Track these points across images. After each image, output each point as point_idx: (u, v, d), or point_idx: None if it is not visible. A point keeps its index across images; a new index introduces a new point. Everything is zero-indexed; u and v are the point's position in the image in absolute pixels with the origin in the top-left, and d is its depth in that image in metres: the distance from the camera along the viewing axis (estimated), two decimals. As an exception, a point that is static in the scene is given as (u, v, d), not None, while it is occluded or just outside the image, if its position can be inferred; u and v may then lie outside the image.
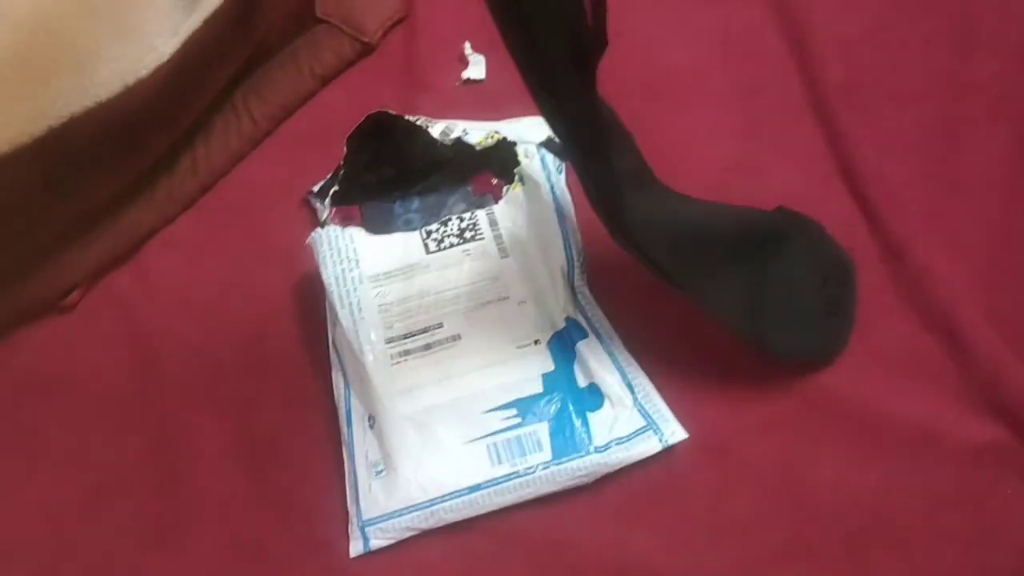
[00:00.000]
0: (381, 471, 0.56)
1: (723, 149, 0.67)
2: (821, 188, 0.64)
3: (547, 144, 0.66)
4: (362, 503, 0.55)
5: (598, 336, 0.59)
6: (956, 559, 0.52)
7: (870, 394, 0.56)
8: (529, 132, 0.67)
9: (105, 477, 0.60)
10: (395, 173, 0.68)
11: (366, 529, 0.55)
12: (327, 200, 0.66)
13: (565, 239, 0.61)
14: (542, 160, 0.65)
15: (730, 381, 0.58)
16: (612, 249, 0.63)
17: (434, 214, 0.65)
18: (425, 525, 0.54)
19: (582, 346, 0.58)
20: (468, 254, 0.62)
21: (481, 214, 0.64)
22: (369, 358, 0.58)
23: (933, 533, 0.52)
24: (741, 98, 0.69)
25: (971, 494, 0.53)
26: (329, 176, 0.67)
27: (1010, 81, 0.65)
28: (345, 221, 0.65)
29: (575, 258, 0.61)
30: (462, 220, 0.64)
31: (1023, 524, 0.52)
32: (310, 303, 0.64)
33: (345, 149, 0.66)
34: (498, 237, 0.63)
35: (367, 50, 0.74)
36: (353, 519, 0.55)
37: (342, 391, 0.59)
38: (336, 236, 0.62)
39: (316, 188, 0.68)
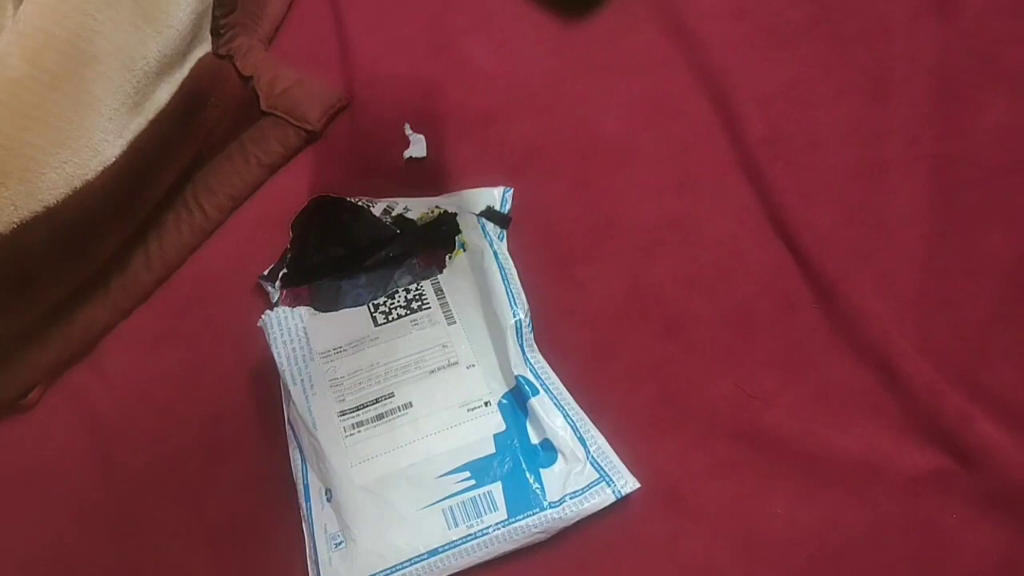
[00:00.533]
0: (340, 543, 0.56)
1: (658, 206, 0.70)
2: (753, 237, 0.67)
3: (486, 213, 0.69)
4: (323, 576, 0.56)
5: (548, 392, 0.61)
6: (909, 586, 0.52)
7: (813, 431, 0.58)
8: (469, 203, 0.69)
9: (71, 572, 0.60)
10: (344, 251, 0.70)
11: (326, 603, 0.55)
12: (277, 282, 0.68)
13: (511, 300, 0.63)
14: (483, 228, 0.67)
15: (678, 428, 0.60)
16: (558, 309, 0.66)
17: (381, 288, 0.67)
18: (388, 591, 0.55)
19: (534, 403, 0.60)
20: (416, 323, 0.64)
21: (427, 284, 0.66)
22: (322, 433, 0.59)
23: (881, 562, 0.53)
24: (672, 157, 0.72)
25: (916, 521, 0.54)
26: (278, 260, 0.69)
27: (923, 122, 0.68)
28: (295, 301, 0.67)
29: (523, 318, 0.62)
30: (408, 291, 0.66)
31: (970, 547, 0.53)
32: (265, 383, 0.65)
33: (291, 233, 0.68)
34: (444, 304, 0.65)
35: (312, 137, 0.77)
36: (313, 594, 0.56)
37: (299, 466, 0.60)
38: (286, 317, 0.64)
39: (266, 272, 0.70)
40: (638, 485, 0.57)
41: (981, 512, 0.54)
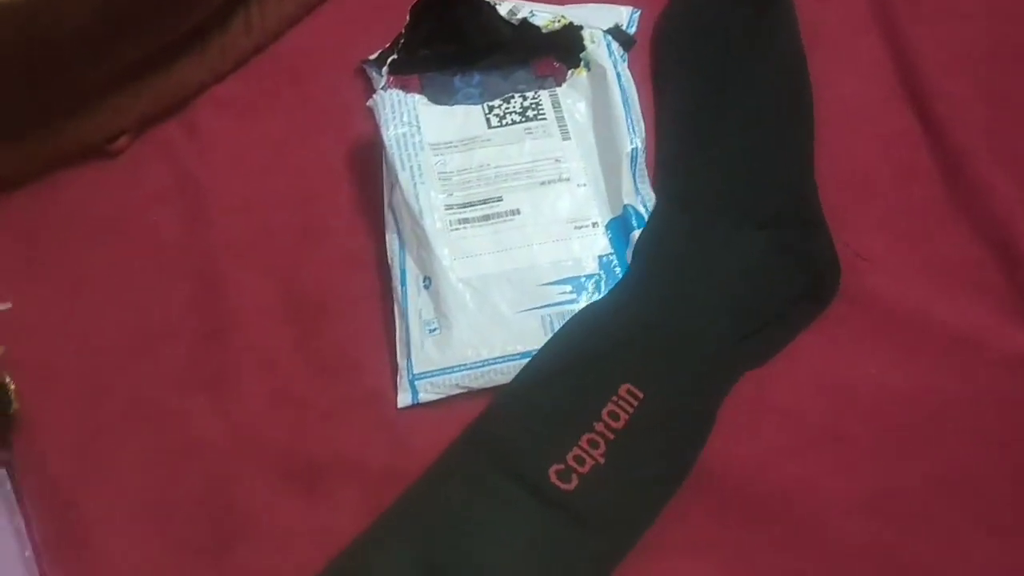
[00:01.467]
0: (435, 329, 0.56)
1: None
2: (882, 99, 0.65)
3: (613, 31, 0.66)
4: (413, 358, 0.56)
5: (654, 225, 0.60)
6: (987, 459, 0.53)
7: (917, 298, 0.58)
8: (596, 18, 0.67)
9: (150, 321, 0.60)
10: (453, 50, 0.67)
11: (416, 382, 0.55)
12: (385, 68, 0.65)
13: (630, 127, 0.61)
14: (608, 47, 0.65)
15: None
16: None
17: (495, 91, 0.65)
18: (475, 384, 0.55)
19: (637, 234, 0.59)
20: (530, 133, 0.62)
21: (544, 95, 0.64)
22: (428, 220, 0.58)
23: (968, 433, 0.54)
24: (809, 6, 0.69)
25: (1012, 399, 0.54)
26: (388, 45, 0.67)
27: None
28: (404, 89, 0.65)
29: (639, 147, 0.61)
30: (525, 99, 0.64)
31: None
32: (362, 167, 0.64)
33: (408, 18, 0.65)
34: (560, 119, 0.63)
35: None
36: (403, 372, 0.56)
37: (396, 252, 0.59)
38: (399, 99, 0.62)
39: (373, 56, 0.67)
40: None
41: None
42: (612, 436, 0.51)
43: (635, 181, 0.61)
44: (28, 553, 0.50)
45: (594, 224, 0.59)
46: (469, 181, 0.60)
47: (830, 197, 0.61)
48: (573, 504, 0.49)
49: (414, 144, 0.60)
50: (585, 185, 0.61)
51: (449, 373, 0.55)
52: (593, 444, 0.51)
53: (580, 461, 0.50)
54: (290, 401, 0.57)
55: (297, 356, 0.58)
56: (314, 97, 0.69)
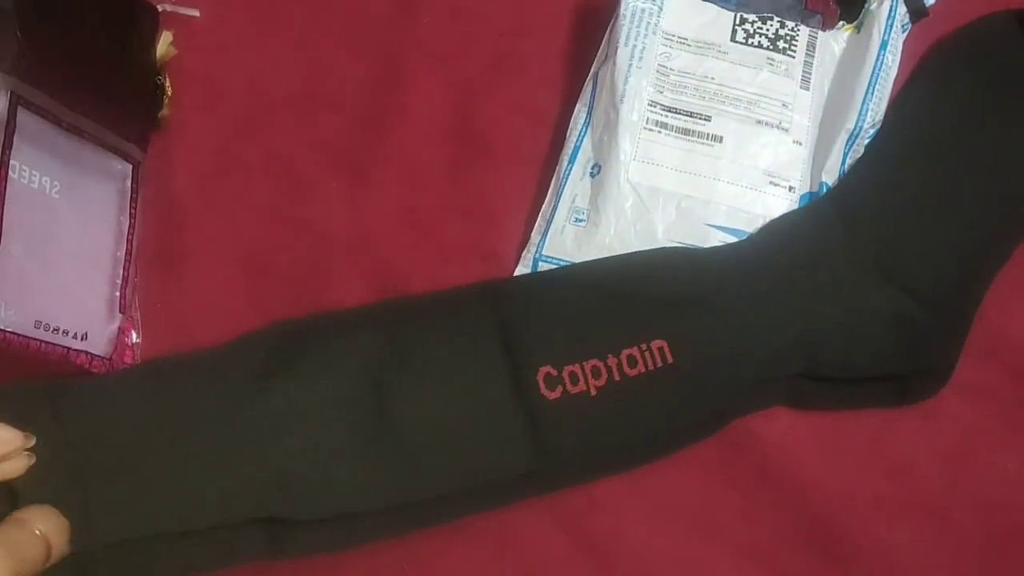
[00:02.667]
0: (582, 220, 0.53)
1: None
2: None
3: (909, -3, 0.58)
4: (549, 238, 0.53)
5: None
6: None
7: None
8: (899, -25, 0.58)
9: (323, 85, 0.58)
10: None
11: (540, 263, 0.52)
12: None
13: (865, 104, 0.54)
14: (892, 11, 0.57)
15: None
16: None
17: (756, 4, 0.58)
18: (598, 290, 0.51)
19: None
20: (771, 64, 0.56)
21: (804, 31, 0.57)
22: (626, 107, 0.53)
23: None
24: None
25: None
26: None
27: None
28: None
29: (864, 128, 0.54)
30: (783, 26, 0.57)
31: None
32: (587, 25, 0.59)
33: None
34: (808, 64, 0.56)
35: None
36: (532, 247, 0.53)
37: (580, 125, 0.55)
38: (653, -26, 0.56)
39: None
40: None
41: None
42: (618, 378, 0.46)
43: (844, 162, 0.54)
44: (120, 253, 0.50)
45: (791, 188, 0.54)
46: (686, 87, 0.55)
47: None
48: (542, 414, 0.46)
49: (648, 24, 0.55)
50: (801, 144, 0.55)
51: (575, 268, 0.52)
52: (596, 372, 0.46)
53: (574, 379, 0.46)
54: (418, 220, 0.55)
55: (443, 180, 0.56)
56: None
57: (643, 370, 0.47)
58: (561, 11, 0.60)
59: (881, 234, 0.52)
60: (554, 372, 0.46)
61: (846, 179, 0.54)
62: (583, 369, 0.46)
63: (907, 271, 0.51)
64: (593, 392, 0.46)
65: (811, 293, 0.50)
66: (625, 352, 0.47)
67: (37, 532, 0.38)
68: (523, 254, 0.53)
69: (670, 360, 0.47)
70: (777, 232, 0.52)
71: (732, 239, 0.52)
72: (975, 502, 0.49)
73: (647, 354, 0.47)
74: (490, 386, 0.46)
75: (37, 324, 0.43)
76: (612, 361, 0.47)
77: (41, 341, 0.43)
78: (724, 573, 0.47)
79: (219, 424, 0.44)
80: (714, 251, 0.51)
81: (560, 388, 0.46)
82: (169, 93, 0.55)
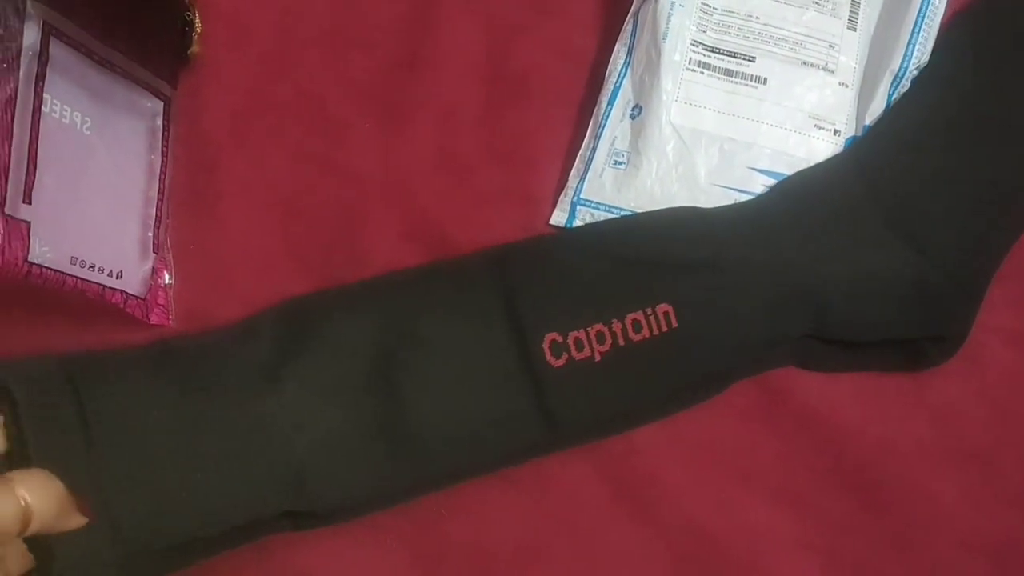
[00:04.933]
0: (621, 163, 0.52)
1: None
2: None
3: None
4: (587, 181, 0.52)
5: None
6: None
7: None
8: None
9: (356, 22, 0.56)
10: None
11: (578, 206, 0.51)
12: None
13: (912, 44, 0.52)
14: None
15: (995, 285, 0.51)
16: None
17: (803, -58, 0.56)
18: (636, 236, 0.51)
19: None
20: (817, 3, 0.54)
21: (853, -33, 0.55)
22: (668, 46, 0.52)
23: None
24: None
25: None
26: None
27: None
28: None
29: (908, 71, 0.52)
30: (831, -38, 0.55)
31: None
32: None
33: None
34: (856, 3, 0.55)
35: None
36: (570, 191, 0.52)
37: (620, 66, 0.54)
38: (700, -97, 0.54)
39: None
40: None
41: None
42: (623, 343, 0.45)
43: (888, 104, 0.53)
44: (152, 193, 0.49)
45: (836, 132, 0.52)
46: (730, 26, 0.53)
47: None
48: (548, 382, 0.45)
49: (693, -41, 0.53)
50: (848, 87, 0.53)
51: (614, 211, 0.51)
52: (600, 338, 0.45)
53: (579, 345, 0.45)
54: (452, 166, 0.53)
55: (478, 124, 0.54)
56: None
57: (647, 335, 0.46)
58: (600, -52, 0.59)
59: (902, 195, 0.50)
60: (559, 339, 0.46)
61: (869, 136, 0.52)
62: (588, 335, 0.46)
63: (927, 234, 0.49)
64: (598, 358, 0.45)
65: (826, 253, 0.48)
66: (630, 317, 0.46)
67: (20, 498, 0.34)
68: (560, 197, 0.52)
69: (675, 324, 0.46)
70: (791, 190, 0.50)
71: (775, 182, 0.51)
72: (1020, 451, 0.48)
73: (652, 318, 0.46)
74: (497, 358, 0.45)
75: (73, 260, 0.42)
76: (617, 326, 0.46)
77: (77, 278, 0.43)
78: (763, 517, 0.47)
79: (235, 421, 0.43)
80: (724, 209, 0.50)
81: (565, 355, 0.45)
82: (199, 29, 0.54)
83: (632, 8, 0.55)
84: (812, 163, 0.51)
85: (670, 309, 0.46)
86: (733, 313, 0.47)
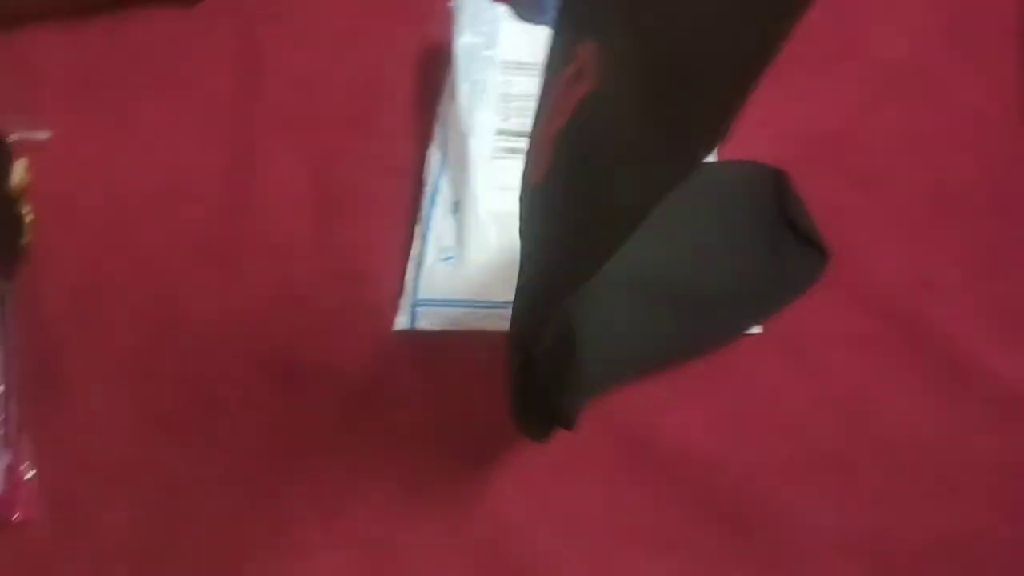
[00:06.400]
0: (450, 258, 0.54)
1: (914, 43, 0.61)
2: (1003, 118, 0.58)
3: None
4: (422, 282, 0.53)
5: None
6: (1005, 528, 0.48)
7: (973, 341, 0.52)
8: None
9: (180, 181, 0.59)
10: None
11: (417, 308, 0.53)
12: (475, -29, 0.61)
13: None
14: None
15: (825, 285, 0.54)
16: (755, 115, 0.57)
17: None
18: (477, 325, 0.52)
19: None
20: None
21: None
22: (474, 143, 0.55)
23: (988, 496, 0.49)
24: None
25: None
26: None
27: None
28: (493, -3, 0.61)
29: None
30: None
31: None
32: (431, 70, 0.60)
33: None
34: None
35: None
36: (407, 294, 0.54)
37: (435, 168, 0.56)
38: (482, 8, 0.57)
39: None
40: (760, 330, 0.53)
41: None
42: None
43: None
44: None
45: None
46: (530, 110, 0.56)
47: (915, 205, 0.56)
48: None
49: (484, 58, 0.57)
50: (649, 141, 0.56)
51: (453, 306, 0.53)
52: None
53: None
54: (292, 295, 0.55)
55: (311, 250, 0.56)
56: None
57: None
58: (404, 62, 0.62)
59: None
60: None
61: None
62: None
63: None
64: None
65: None
66: None
67: None
68: (400, 302, 0.54)
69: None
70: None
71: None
72: (873, 447, 0.50)
73: None
74: None
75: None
76: None
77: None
78: (643, 566, 0.48)
79: None
80: None
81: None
82: (31, 219, 0.56)
83: (439, 112, 0.58)
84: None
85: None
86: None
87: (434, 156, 0.57)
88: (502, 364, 0.45)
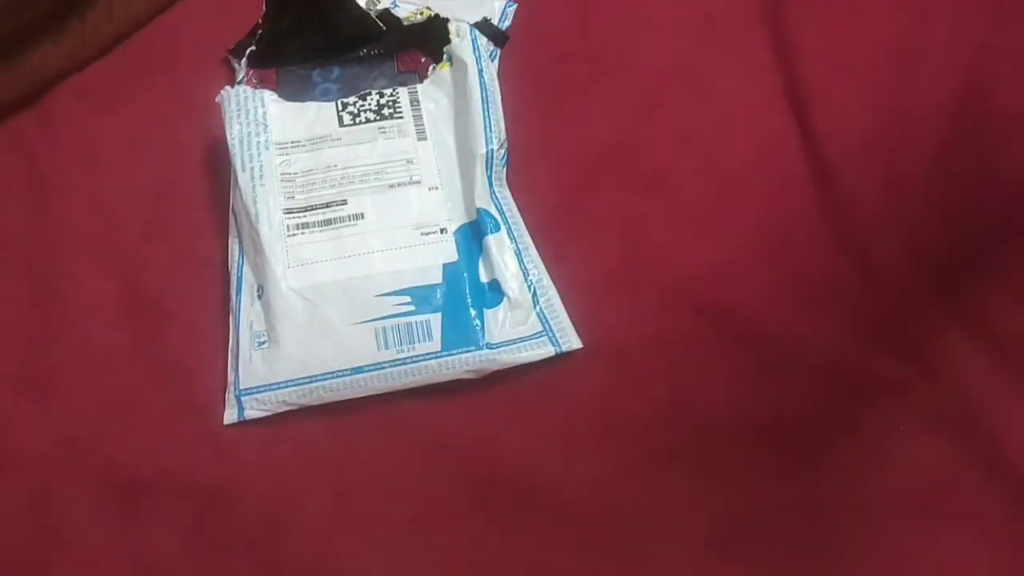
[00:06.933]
0: (264, 342, 0.54)
1: (670, 49, 0.64)
2: (763, 102, 0.61)
3: (480, 26, 0.63)
4: (241, 372, 0.54)
5: (509, 232, 0.57)
6: (838, 488, 0.50)
7: (778, 316, 0.55)
8: (463, 11, 0.63)
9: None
10: (320, 41, 0.64)
11: (242, 398, 0.53)
12: (243, 60, 0.62)
13: (487, 127, 0.58)
14: (474, 42, 0.61)
15: (637, 291, 0.56)
16: (537, 145, 0.61)
17: (354, 87, 0.62)
18: (303, 401, 0.53)
19: (491, 240, 0.56)
20: (383, 132, 0.59)
21: (403, 92, 0.61)
22: (264, 227, 0.55)
23: (823, 462, 0.51)
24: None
25: (864, 424, 0.51)
26: (247, 35, 0.64)
27: (973, 6, 0.61)
28: (260, 84, 0.62)
29: (496, 149, 0.58)
30: (382, 96, 0.61)
31: (911, 460, 0.51)
32: (218, 165, 0.61)
33: (264, 7, 0.62)
34: (418, 117, 0.60)
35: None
36: (231, 387, 0.54)
37: (236, 258, 0.57)
38: (246, 97, 0.59)
39: (234, 46, 0.64)
40: (580, 346, 0.54)
41: (928, 427, 0.51)
42: None
43: (491, 184, 0.58)
44: None
45: (442, 230, 0.57)
46: (313, 183, 0.57)
47: (700, 202, 0.59)
48: None
49: (258, 144, 0.58)
50: (438, 188, 0.58)
51: (276, 389, 0.53)
52: None
53: None
54: (118, 410, 0.55)
55: (130, 361, 0.56)
56: (177, 87, 0.66)
57: None
58: (190, 159, 0.62)
59: None
60: None
61: None
62: None
63: None
64: None
65: None
66: None
67: None
68: (226, 397, 0.54)
69: None
70: None
71: (407, 299, 0.54)
72: (708, 436, 0.52)
73: None
74: None
75: None
76: None
77: None
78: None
79: None
80: None
81: None
82: None
83: (230, 203, 0.58)
84: (432, 267, 0.55)
85: None
86: None
87: (233, 245, 0.57)
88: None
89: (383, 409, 0.53)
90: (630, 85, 0.63)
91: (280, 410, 0.53)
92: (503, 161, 0.58)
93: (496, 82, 0.60)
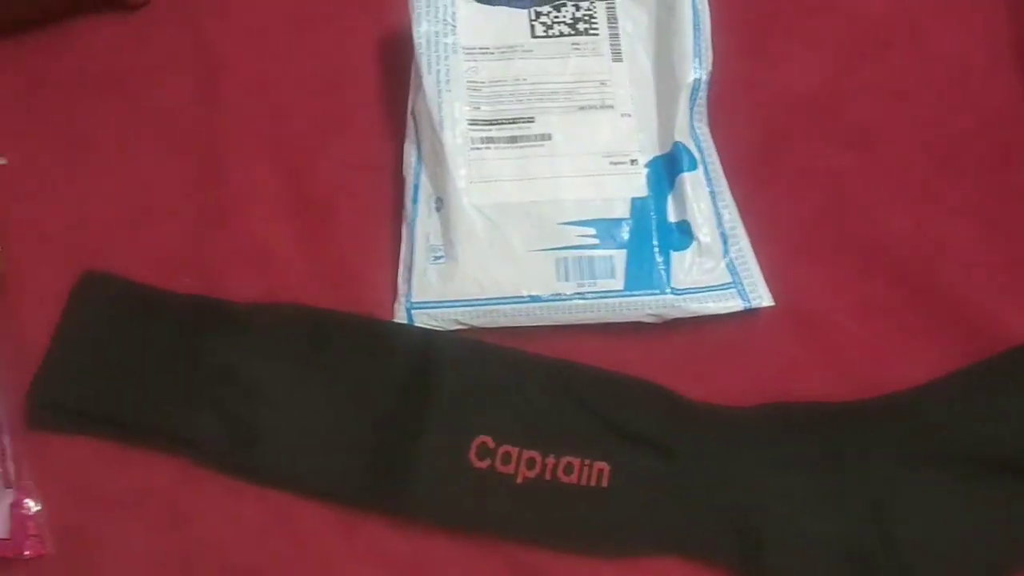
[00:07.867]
0: (440, 257, 0.52)
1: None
2: (991, 63, 0.57)
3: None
4: (414, 285, 0.52)
5: (706, 171, 0.53)
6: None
7: (991, 303, 0.51)
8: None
9: (149, 195, 0.56)
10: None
11: (413, 311, 0.51)
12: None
13: (697, 54, 0.54)
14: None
15: (835, 253, 0.53)
16: (739, 82, 0.57)
17: (546, -5, 0.58)
18: (476, 323, 0.51)
19: (685, 178, 0.52)
20: (577, 48, 0.55)
21: (601, 6, 0.57)
22: (448, 135, 0.52)
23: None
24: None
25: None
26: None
27: None
28: (449, -18, 0.58)
29: (703, 79, 0.53)
30: (578, 8, 0.57)
31: None
32: (395, 62, 0.58)
33: None
34: (614, 36, 0.56)
35: None
36: (401, 298, 0.52)
37: (413, 164, 0.54)
38: (439, -6, 0.55)
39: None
40: (772, 304, 0.51)
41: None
42: (549, 478, 0.46)
43: (692, 117, 0.54)
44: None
45: (633, 161, 0.53)
46: (501, 96, 0.54)
47: (910, 165, 0.55)
48: (464, 475, 0.46)
49: (446, 46, 0.54)
50: (631, 115, 0.54)
51: (449, 307, 0.51)
52: (530, 464, 0.46)
53: (506, 459, 0.46)
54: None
55: (296, 257, 0.54)
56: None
57: (576, 481, 0.46)
58: (366, 56, 0.59)
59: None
60: (491, 444, 0.46)
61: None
62: (519, 455, 0.46)
63: (904, 520, 0.46)
64: (520, 480, 0.46)
65: (777, 492, 0.47)
66: (566, 458, 0.47)
67: None
68: (395, 307, 0.52)
69: (604, 484, 0.46)
70: (769, 419, 0.49)
71: (592, 230, 0.51)
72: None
73: (587, 469, 0.47)
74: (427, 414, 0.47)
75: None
76: (551, 460, 0.46)
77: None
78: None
79: None
80: (694, 404, 0.49)
81: (489, 461, 0.46)
82: (1, 250, 0.53)
83: (409, 106, 0.55)
84: (619, 200, 0.52)
85: (606, 468, 0.46)
86: (663, 502, 0.47)
87: (410, 152, 0.55)
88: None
89: (553, 341, 0.51)
90: (842, 31, 0.59)
91: (451, 328, 0.51)
92: (707, 97, 0.54)
93: (708, 9, 0.55)
